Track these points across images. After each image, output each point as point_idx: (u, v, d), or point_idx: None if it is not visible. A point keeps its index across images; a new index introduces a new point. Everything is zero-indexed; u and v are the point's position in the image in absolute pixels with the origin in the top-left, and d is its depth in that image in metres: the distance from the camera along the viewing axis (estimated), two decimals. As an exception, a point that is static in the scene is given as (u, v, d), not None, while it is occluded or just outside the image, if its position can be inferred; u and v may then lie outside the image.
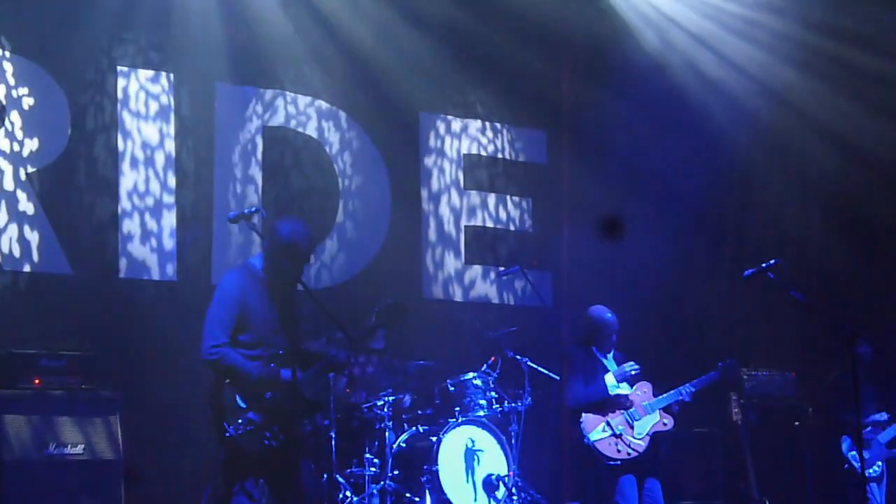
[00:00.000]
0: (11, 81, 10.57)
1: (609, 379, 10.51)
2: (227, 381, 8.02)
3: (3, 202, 10.44)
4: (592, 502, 10.49)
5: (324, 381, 9.07)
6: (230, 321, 8.02)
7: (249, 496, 8.01)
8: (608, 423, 10.38)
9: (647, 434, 10.43)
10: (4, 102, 10.50)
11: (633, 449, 10.31)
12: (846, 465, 11.08)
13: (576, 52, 12.95)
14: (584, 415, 10.42)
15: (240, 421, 7.83)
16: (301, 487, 8.25)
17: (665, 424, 10.49)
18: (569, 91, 12.99)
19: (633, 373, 10.50)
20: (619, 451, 10.30)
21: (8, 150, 10.50)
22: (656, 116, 12.85)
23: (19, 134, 10.56)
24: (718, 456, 11.93)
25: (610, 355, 10.79)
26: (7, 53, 10.57)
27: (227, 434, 7.88)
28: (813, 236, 13.44)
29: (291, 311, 8.16)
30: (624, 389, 10.52)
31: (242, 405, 7.88)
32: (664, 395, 10.53)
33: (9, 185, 10.47)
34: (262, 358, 7.99)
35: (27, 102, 10.62)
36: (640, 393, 10.55)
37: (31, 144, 10.59)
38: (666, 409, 10.52)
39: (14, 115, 10.55)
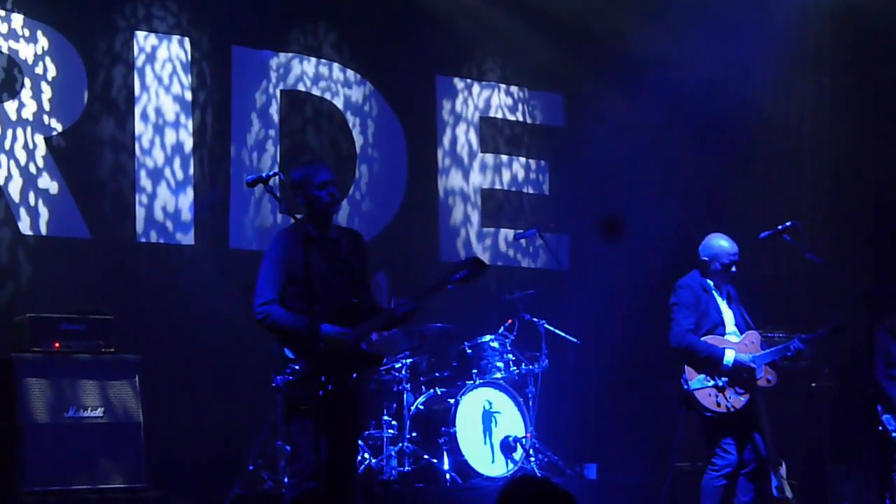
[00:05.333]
0: (28, 46, 10.60)
1: (728, 325, 9.69)
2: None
3: (21, 167, 10.47)
4: (677, 451, 10.33)
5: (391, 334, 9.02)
6: (279, 278, 7.82)
7: (311, 454, 7.72)
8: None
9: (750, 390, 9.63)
10: (21, 67, 10.54)
11: (733, 405, 9.47)
12: (880, 428, 10.80)
13: (595, 16, 12.89)
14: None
15: (287, 370, 7.69)
16: (349, 450, 8.02)
17: (769, 381, 9.60)
18: (587, 54, 12.95)
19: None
20: (718, 403, 9.45)
21: (25, 115, 10.53)
22: (673, 78, 12.76)
23: (36, 99, 10.59)
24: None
25: (724, 294, 9.77)
26: (23, 17, 10.59)
27: (274, 384, 7.72)
28: (827, 196, 13.37)
29: (342, 265, 7.98)
30: (733, 338, 9.65)
31: (290, 355, 7.72)
32: (772, 349, 9.67)
33: (26, 149, 10.50)
34: (310, 313, 7.74)
35: (44, 67, 10.65)
36: (748, 343, 9.65)
37: (48, 109, 10.63)
38: (771, 364, 9.63)
39: (31, 80, 10.58)
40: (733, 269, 9.67)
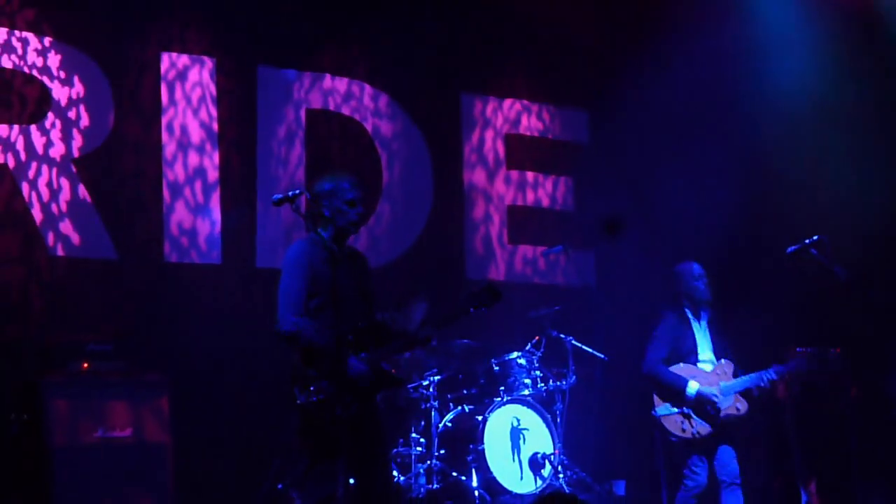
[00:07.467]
0: (55, 68, 10.64)
1: (703, 353, 9.94)
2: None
3: (50, 189, 10.50)
4: (662, 469, 10.29)
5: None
6: (303, 289, 7.80)
7: (329, 474, 7.71)
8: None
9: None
10: (49, 89, 10.59)
11: (698, 431, 9.70)
12: None
13: (619, 31, 12.89)
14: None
15: (311, 388, 7.56)
16: (383, 467, 7.97)
17: (738, 410, 9.74)
18: (611, 70, 12.94)
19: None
20: (683, 429, 9.71)
21: (53, 137, 10.56)
22: (698, 94, 12.73)
23: (64, 120, 10.62)
24: (762, 434, 11.87)
25: (703, 322, 10.02)
26: (50, 40, 10.63)
27: (298, 402, 7.62)
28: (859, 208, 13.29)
29: (360, 282, 7.98)
30: (707, 366, 9.87)
31: (314, 373, 7.66)
32: (745, 377, 9.80)
33: (55, 171, 10.53)
34: (332, 327, 7.69)
35: (71, 88, 10.69)
36: (720, 373, 9.85)
37: (76, 130, 10.66)
38: (743, 393, 9.78)
39: (58, 102, 10.62)
40: (702, 285, 10.00)
